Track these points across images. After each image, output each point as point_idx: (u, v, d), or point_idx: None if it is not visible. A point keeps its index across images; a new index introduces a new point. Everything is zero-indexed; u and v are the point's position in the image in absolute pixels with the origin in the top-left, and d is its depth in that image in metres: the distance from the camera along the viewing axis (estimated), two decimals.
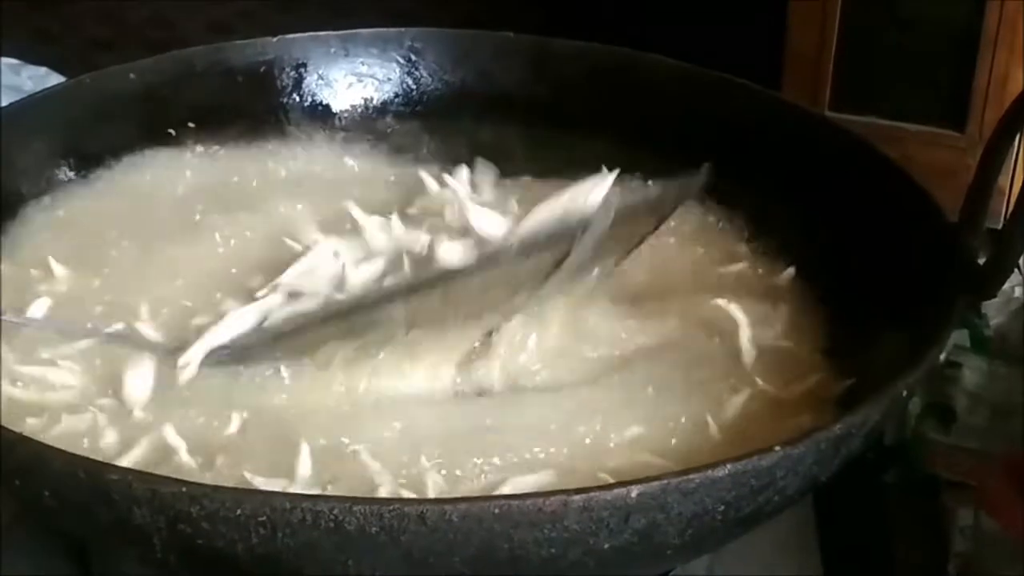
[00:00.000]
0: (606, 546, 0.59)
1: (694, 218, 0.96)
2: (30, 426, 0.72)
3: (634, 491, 0.58)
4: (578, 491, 0.58)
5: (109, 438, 0.72)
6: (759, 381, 0.79)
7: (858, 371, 0.79)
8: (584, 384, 0.79)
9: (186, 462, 0.70)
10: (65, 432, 0.72)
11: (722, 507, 0.61)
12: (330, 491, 0.68)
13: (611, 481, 0.67)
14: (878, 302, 0.82)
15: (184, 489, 0.58)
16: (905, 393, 0.69)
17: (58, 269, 0.86)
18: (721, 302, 0.86)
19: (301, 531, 0.57)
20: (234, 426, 0.74)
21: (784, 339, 0.84)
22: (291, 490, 0.67)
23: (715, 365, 0.81)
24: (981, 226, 0.80)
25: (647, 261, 0.91)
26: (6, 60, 1.42)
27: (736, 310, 0.84)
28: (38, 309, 0.81)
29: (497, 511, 0.57)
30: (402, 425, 0.73)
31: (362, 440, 0.72)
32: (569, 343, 0.82)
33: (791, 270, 0.90)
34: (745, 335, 0.83)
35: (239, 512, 0.57)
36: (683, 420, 0.75)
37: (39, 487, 0.62)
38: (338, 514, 0.56)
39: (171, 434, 0.71)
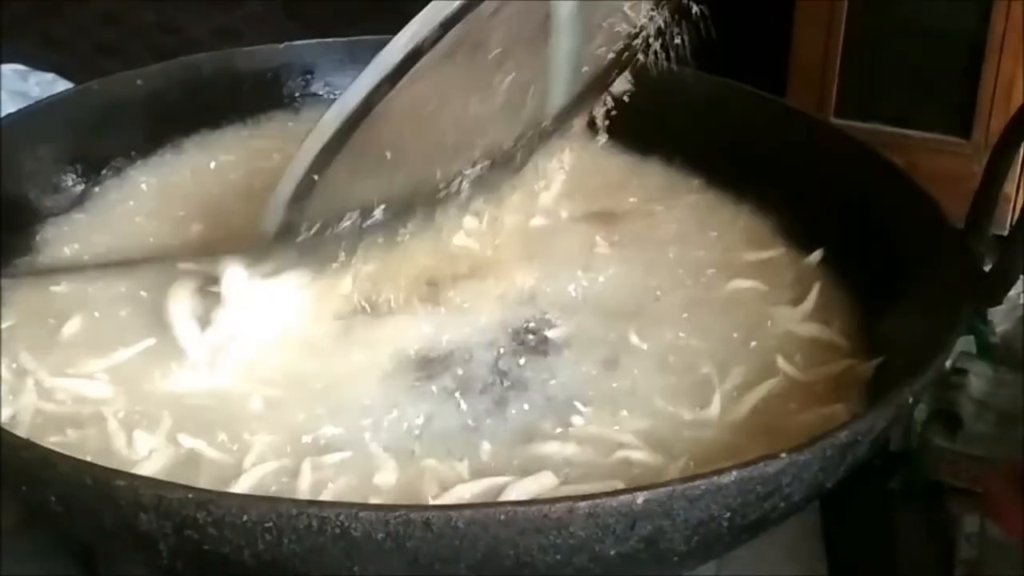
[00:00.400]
0: (612, 552, 0.59)
1: (726, 208, 0.98)
2: (63, 439, 0.72)
3: (640, 498, 0.58)
4: (584, 498, 0.58)
5: (140, 449, 0.72)
6: (782, 364, 0.79)
7: (883, 355, 0.80)
8: (595, 363, 0.79)
9: (217, 458, 0.71)
10: (96, 444, 0.72)
11: (728, 514, 0.61)
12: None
13: (615, 480, 0.68)
14: (888, 305, 0.83)
15: (191, 495, 0.58)
16: (911, 400, 0.69)
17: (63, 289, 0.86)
18: (744, 282, 0.87)
19: (307, 537, 0.57)
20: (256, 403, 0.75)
21: (811, 320, 0.84)
22: None
23: (736, 346, 0.82)
24: (987, 233, 0.80)
25: (671, 242, 0.92)
26: (13, 66, 1.42)
27: (760, 288, 0.86)
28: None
29: (503, 517, 0.57)
30: None
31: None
32: (584, 318, 0.84)
33: (819, 252, 0.90)
34: (771, 317, 0.84)
35: (245, 518, 0.57)
36: (699, 407, 0.76)
37: (45, 493, 0.63)
38: (344, 520, 0.56)
39: (189, 440, 0.72)
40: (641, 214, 0.97)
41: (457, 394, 0.77)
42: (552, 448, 0.72)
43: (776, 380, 0.78)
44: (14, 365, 0.78)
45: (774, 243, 0.94)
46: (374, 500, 0.68)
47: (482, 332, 0.82)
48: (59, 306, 0.83)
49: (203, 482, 0.69)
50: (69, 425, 0.73)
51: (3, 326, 0.81)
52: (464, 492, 0.68)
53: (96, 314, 0.82)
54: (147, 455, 0.71)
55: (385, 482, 0.69)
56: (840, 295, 0.87)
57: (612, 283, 0.88)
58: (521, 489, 0.68)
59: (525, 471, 0.69)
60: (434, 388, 0.77)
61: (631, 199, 1.00)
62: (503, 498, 0.67)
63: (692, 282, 0.89)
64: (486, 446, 0.72)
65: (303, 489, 0.68)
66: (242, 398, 0.76)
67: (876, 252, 0.87)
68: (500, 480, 0.69)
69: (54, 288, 0.85)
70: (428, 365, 0.79)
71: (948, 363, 0.89)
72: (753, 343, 0.82)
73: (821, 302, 0.86)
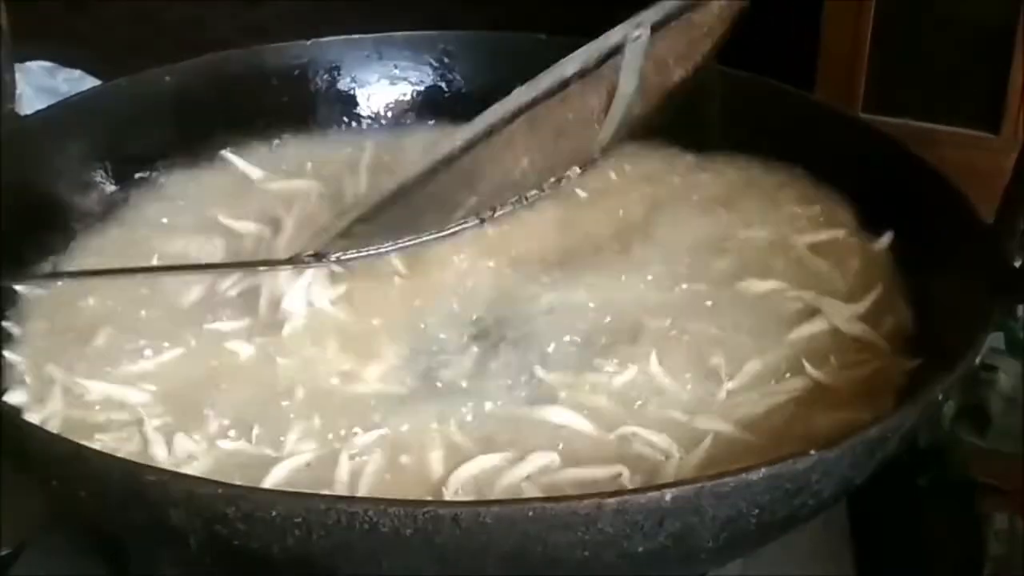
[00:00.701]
0: (640, 549, 0.59)
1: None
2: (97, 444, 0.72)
3: (668, 494, 0.58)
4: (612, 494, 0.58)
5: (177, 453, 0.72)
6: (808, 368, 0.78)
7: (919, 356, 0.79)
8: (603, 356, 0.79)
9: (256, 452, 0.71)
10: (131, 449, 0.72)
11: (756, 510, 0.60)
12: None
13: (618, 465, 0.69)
14: (920, 303, 0.82)
15: (220, 490, 0.58)
16: (941, 397, 0.69)
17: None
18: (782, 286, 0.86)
19: (336, 532, 0.57)
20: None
21: (858, 321, 0.82)
22: None
23: (771, 338, 0.81)
24: (1017, 229, 0.79)
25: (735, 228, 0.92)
26: (40, 63, 1.43)
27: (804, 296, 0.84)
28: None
29: (531, 513, 0.57)
30: None
31: None
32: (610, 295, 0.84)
33: (888, 236, 0.88)
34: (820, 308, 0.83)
35: (274, 513, 0.57)
36: (708, 398, 0.76)
37: (76, 488, 0.63)
38: (372, 516, 0.56)
39: (228, 444, 0.72)
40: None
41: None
42: (553, 422, 0.73)
43: (799, 380, 0.77)
44: (41, 373, 0.77)
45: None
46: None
47: (493, 306, 0.83)
48: (86, 318, 0.83)
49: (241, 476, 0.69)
50: (100, 432, 0.73)
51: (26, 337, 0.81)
52: (471, 469, 0.69)
53: (125, 325, 0.82)
54: (185, 459, 0.71)
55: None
56: (895, 295, 0.85)
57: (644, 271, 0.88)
58: (523, 468, 0.69)
59: (524, 444, 0.71)
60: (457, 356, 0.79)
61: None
62: (506, 477, 0.68)
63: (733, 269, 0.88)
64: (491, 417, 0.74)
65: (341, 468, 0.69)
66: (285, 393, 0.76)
67: (906, 248, 0.86)
68: (504, 456, 0.70)
69: (80, 302, 0.84)
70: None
71: (977, 360, 0.89)
72: (790, 336, 0.81)
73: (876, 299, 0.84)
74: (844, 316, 0.82)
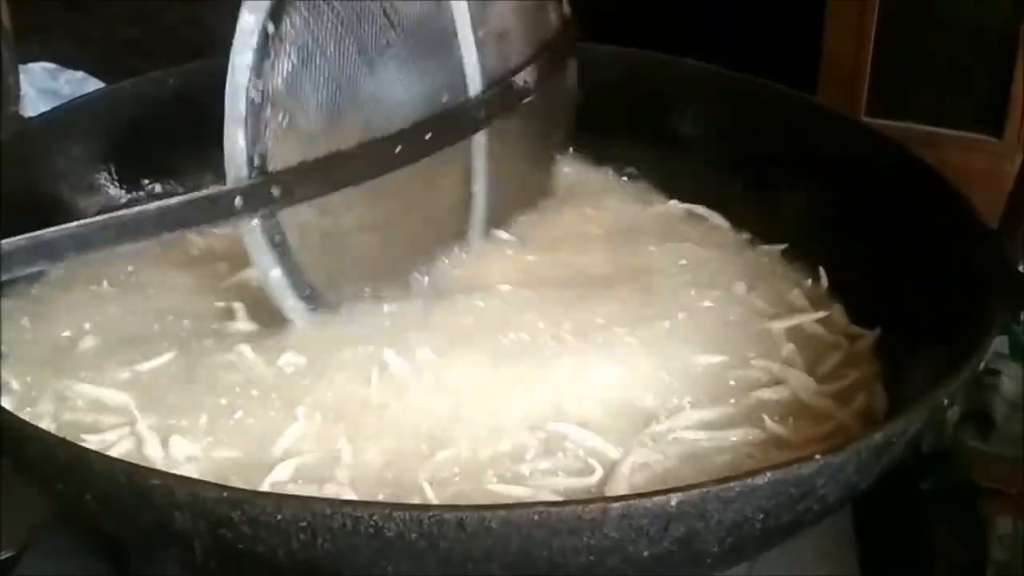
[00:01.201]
0: (645, 554, 0.59)
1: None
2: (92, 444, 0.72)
3: (674, 499, 0.58)
4: (617, 499, 0.58)
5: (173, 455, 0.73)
6: (770, 424, 0.77)
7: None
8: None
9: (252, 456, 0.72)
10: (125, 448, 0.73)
11: (762, 515, 0.61)
12: None
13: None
14: (921, 310, 0.82)
15: (225, 494, 0.58)
16: (946, 402, 0.69)
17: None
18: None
19: (341, 536, 0.57)
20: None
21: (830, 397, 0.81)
22: None
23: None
24: (1021, 233, 0.79)
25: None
26: (43, 64, 1.43)
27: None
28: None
29: (536, 518, 0.57)
30: None
31: None
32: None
33: (876, 331, 0.86)
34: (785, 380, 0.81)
35: (280, 517, 0.57)
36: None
37: (81, 490, 0.63)
38: (378, 520, 0.56)
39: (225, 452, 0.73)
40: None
41: None
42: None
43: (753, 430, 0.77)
44: (28, 379, 0.78)
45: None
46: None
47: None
48: (70, 323, 0.83)
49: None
50: (90, 432, 0.74)
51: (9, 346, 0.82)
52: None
53: (109, 329, 0.83)
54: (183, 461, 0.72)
55: None
56: (876, 370, 0.83)
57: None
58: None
59: None
60: None
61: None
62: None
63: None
64: None
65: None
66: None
67: (908, 254, 0.86)
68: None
69: (62, 306, 0.85)
70: None
71: (981, 364, 0.89)
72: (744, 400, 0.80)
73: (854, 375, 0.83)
74: (811, 390, 0.81)
